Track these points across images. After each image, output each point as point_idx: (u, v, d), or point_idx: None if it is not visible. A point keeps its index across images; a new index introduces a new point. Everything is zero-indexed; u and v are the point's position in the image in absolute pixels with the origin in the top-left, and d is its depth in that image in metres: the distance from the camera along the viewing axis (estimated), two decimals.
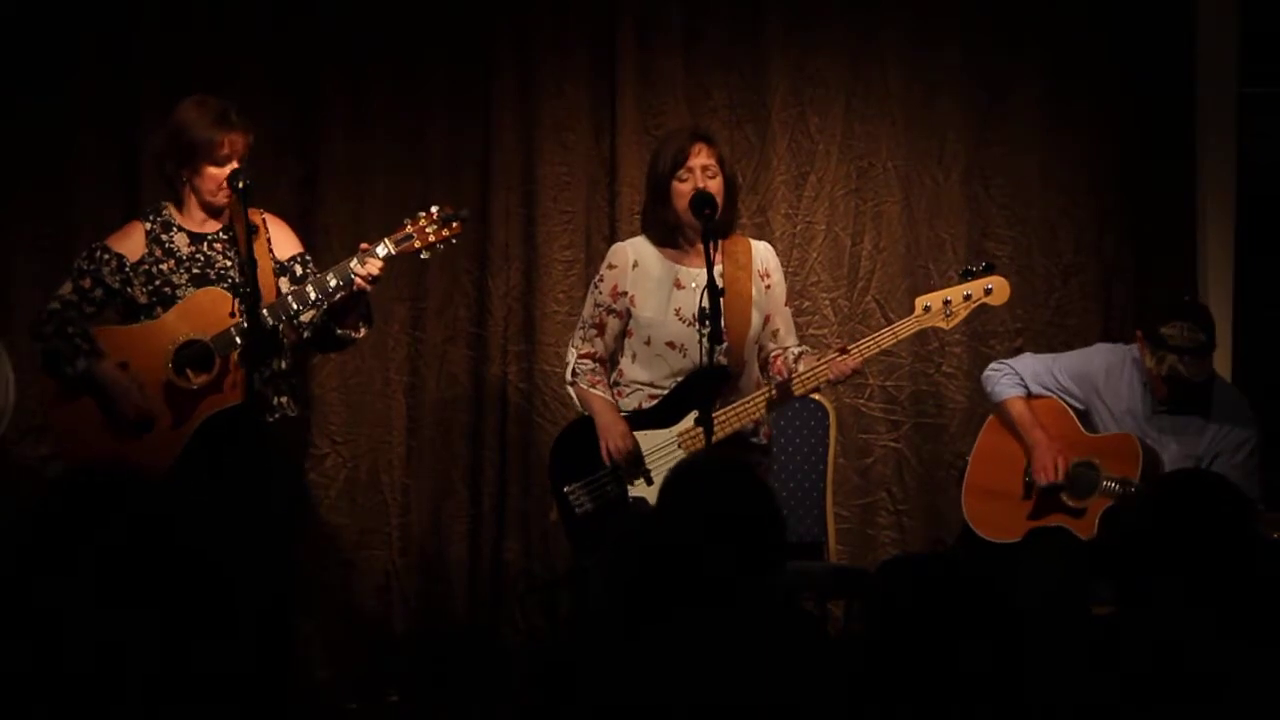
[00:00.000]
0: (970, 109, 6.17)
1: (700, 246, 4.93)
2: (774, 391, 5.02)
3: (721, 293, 4.68)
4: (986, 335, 6.16)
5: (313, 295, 4.94)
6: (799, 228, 6.15)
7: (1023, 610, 2.77)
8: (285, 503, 5.16)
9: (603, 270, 5.16)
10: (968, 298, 5.08)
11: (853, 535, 6.09)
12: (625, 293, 5.09)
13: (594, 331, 5.12)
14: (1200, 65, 6.23)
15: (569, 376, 5.14)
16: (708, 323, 4.64)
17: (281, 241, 5.15)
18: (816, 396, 5.81)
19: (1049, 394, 5.53)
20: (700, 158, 4.99)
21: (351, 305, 5.03)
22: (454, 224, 5.02)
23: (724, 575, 3.00)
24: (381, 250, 4.98)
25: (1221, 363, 6.05)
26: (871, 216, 6.15)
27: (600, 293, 5.13)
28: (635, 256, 5.11)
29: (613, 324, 5.11)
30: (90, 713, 2.53)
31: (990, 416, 5.64)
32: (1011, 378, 5.55)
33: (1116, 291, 6.19)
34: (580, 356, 5.12)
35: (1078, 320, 6.17)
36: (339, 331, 5.08)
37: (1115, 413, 5.46)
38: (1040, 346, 6.01)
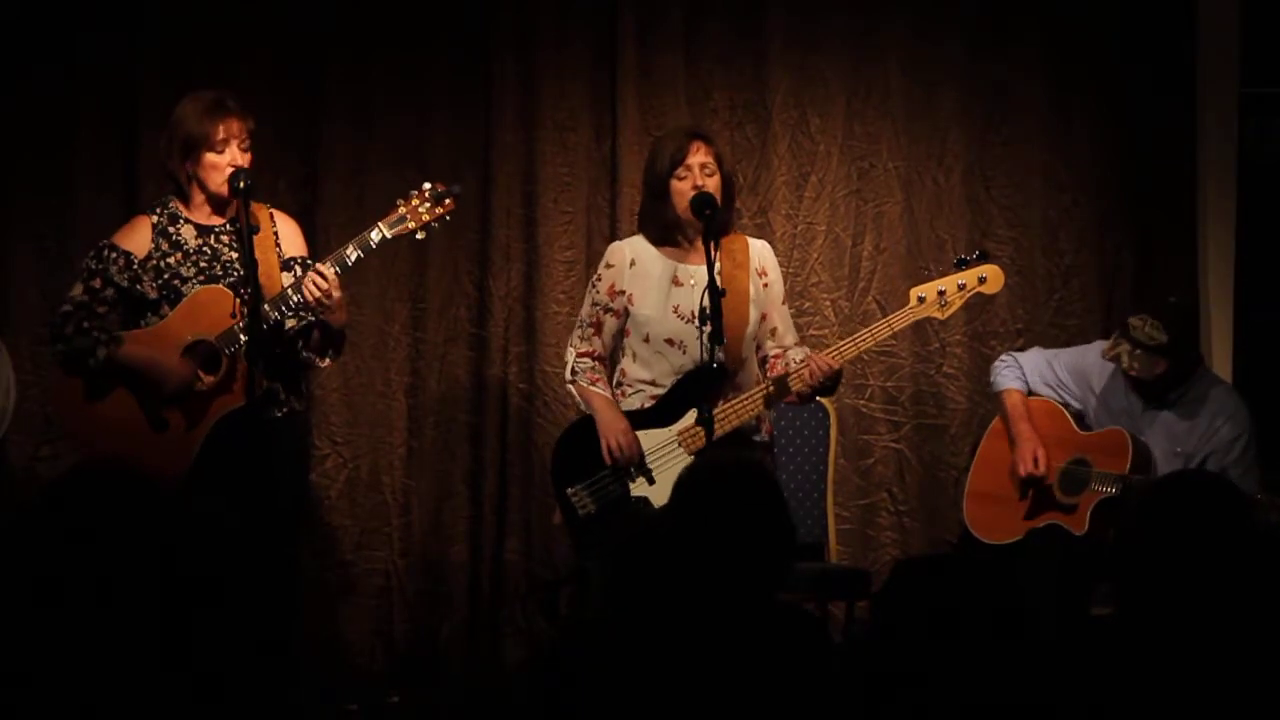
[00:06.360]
0: (971, 110, 6.17)
1: (698, 244, 4.96)
2: (771, 387, 5.01)
3: (722, 293, 4.69)
4: (987, 336, 6.16)
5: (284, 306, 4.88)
6: (799, 228, 6.15)
7: (1022, 611, 2.75)
8: (290, 501, 5.13)
9: (600, 269, 5.15)
10: (962, 287, 5.01)
11: (853, 536, 6.09)
12: (623, 291, 5.08)
13: (591, 330, 5.11)
14: (1200, 65, 6.23)
15: (568, 375, 5.12)
16: (708, 322, 4.66)
17: (288, 236, 5.12)
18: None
19: (1048, 389, 5.55)
20: (698, 155, 4.97)
21: (317, 327, 4.97)
22: (446, 200, 4.96)
23: (731, 578, 3.00)
24: (376, 235, 4.94)
25: (1221, 363, 6.07)
26: (872, 217, 6.15)
27: (598, 292, 5.12)
28: (632, 255, 5.10)
29: (610, 323, 5.11)
30: (89, 712, 2.53)
31: (992, 423, 5.65)
32: (1014, 370, 5.59)
33: (1117, 292, 6.19)
34: (579, 355, 5.11)
35: (1078, 321, 6.17)
36: (303, 353, 5.02)
37: (1109, 410, 5.48)
38: (1041, 346, 6.01)
